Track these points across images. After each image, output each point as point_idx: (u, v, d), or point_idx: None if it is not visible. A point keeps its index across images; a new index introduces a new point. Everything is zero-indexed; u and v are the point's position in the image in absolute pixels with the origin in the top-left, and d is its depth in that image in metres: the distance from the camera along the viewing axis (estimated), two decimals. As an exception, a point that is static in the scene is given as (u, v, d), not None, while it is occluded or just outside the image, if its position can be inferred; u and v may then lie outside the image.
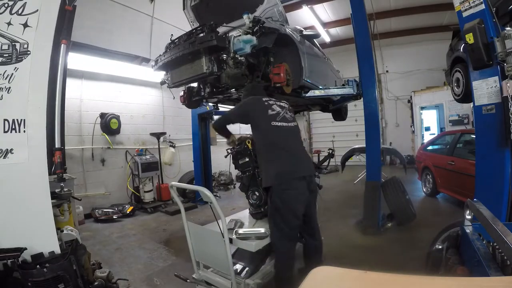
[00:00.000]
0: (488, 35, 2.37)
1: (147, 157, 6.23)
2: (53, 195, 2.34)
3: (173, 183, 2.27)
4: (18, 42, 1.85)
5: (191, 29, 3.10)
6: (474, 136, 3.20)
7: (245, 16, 2.64)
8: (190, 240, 2.23)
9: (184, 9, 3.62)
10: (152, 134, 6.52)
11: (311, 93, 3.71)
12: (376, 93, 4.07)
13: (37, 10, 1.90)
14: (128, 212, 5.40)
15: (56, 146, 2.59)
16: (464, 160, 4.51)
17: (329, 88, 4.00)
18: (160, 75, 3.53)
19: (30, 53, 1.88)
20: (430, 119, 10.45)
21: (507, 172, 2.40)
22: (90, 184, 5.59)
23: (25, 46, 1.87)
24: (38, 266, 1.74)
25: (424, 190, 6.05)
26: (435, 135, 8.75)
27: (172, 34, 3.14)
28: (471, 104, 3.14)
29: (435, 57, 9.20)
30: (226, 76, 3.14)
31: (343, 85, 4.22)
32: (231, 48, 2.66)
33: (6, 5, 1.81)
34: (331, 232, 3.79)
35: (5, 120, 1.80)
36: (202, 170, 6.07)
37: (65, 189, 2.65)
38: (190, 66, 2.89)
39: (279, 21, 3.12)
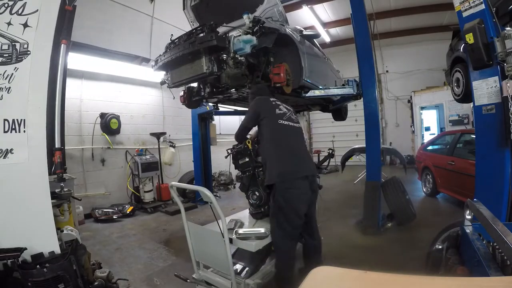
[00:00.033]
0: (488, 35, 2.37)
1: (147, 157, 6.23)
2: (53, 195, 2.34)
3: (173, 183, 2.27)
4: (18, 42, 1.85)
5: (191, 29, 3.10)
6: (474, 136, 3.20)
7: (245, 16, 2.65)
8: (190, 240, 2.23)
9: (184, 9, 3.63)
10: (152, 134, 6.52)
11: (311, 93, 3.72)
12: (376, 93, 4.06)
13: (37, 10, 1.90)
14: (128, 212, 5.40)
15: (56, 146, 2.59)
16: (464, 160, 4.51)
17: (329, 88, 4.00)
18: (160, 75, 3.53)
19: (30, 53, 1.88)
20: (430, 119, 10.46)
21: (507, 172, 2.40)
22: (90, 184, 5.59)
23: (25, 46, 1.87)
24: (38, 266, 1.74)
25: (424, 190, 6.05)
26: (435, 135, 8.75)
27: (172, 34, 3.14)
28: (471, 104, 3.14)
29: (435, 57, 9.20)
30: (226, 76, 3.14)
31: (343, 85, 4.22)
32: (231, 48, 2.66)
33: (6, 5, 1.82)
34: (331, 232, 3.79)
35: (5, 120, 1.80)
36: (202, 170, 6.07)
37: (65, 189, 2.65)
38: (190, 66, 2.89)
39: (279, 21, 3.12)
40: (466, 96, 3.62)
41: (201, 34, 2.69)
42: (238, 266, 2.35)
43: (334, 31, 10.31)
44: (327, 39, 10.42)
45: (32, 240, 1.82)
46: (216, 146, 6.51)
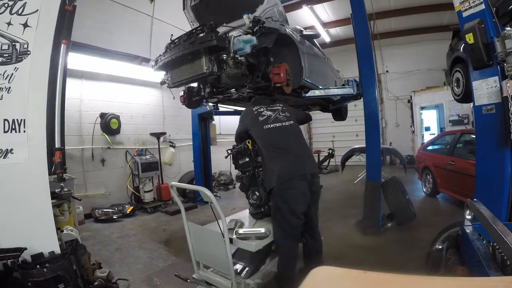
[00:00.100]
0: (488, 35, 2.37)
1: (147, 157, 6.23)
2: (53, 195, 2.34)
3: (173, 183, 2.27)
4: (18, 42, 1.85)
5: (191, 29, 3.10)
6: (474, 136, 3.20)
7: (245, 16, 2.65)
8: (190, 240, 2.23)
9: (184, 9, 3.63)
10: (152, 134, 6.52)
11: (311, 93, 3.72)
12: (376, 93, 4.06)
13: (37, 10, 1.90)
14: (128, 212, 5.40)
15: (56, 146, 2.59)
16: (464, 160, 4.51)
17: (329, 88, 4.00)
18: (160, 75, 3.53)
19: (30, 53, 1.88)
20: (430, 119, 10.46)
21: (507, 172, 2.40)
22: (90, 184, 5.59)
23: (25, 46, 1.87)
24: (38, 266, 1.74)
25: (424, 190, 6.05)
26: (435, 135, 8.75)
27: (172, 34, 3.14)
28: (471, 104, 3.14)
29: (435, 57, 9.20)
30: (226, 76, 3.14)
31: (343, 85, 4.22)
32: (231, 48, 2.66)
33: (6, 5, 1.82)
34: (331, 232, 3.79)
35: (5, 120, 1.80)
36: (202, 170, 6.07)
37: (65, 189, 2.65)
38: (190, 66, 2.89)
39: (279, 21, 3.12)
40: (466, 96, 3.62)
41: (201, 34, 2.69)
42: (238, 266, 2.35)
43: (334, 31, 10.31)
44: (327, 39, 10.42)
45: (32, 240, 1.82)
46: (216, 146, 6.51)
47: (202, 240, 2.19)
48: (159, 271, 3.08)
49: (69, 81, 4.25)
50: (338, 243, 3.54)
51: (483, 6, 2.42)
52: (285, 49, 3.10)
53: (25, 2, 1.86)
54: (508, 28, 2.30)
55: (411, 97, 10.27)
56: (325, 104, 5.25)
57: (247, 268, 2.34)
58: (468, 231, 1.33)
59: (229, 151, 2.66)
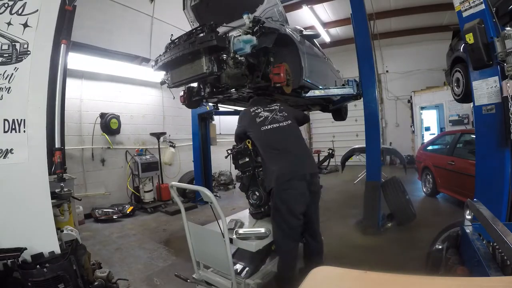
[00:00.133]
0: (488, 35, 2.37)
1: (147, 157, 6.23)
2: (53, 195, 2.34)
3: (173, 183, 2.27)
4: (18, 42, 1.85)
5: (191, 29, 3.10)
6: (474, 136, 3.20)
7: (245, 16, 2.64)
8: (190, 240, 2.23)
9: (184, 9, 3.62)
10: (152, 134, 6.52)
11: (311, 93, 3.71)
12: (376, 93, 4.06)
13: (37, 10, 1.90)
14: (128, 212, 5.40)
15: (56, 146, 2.59)
16: (464, 160, 4.51)
17: (329, 88, 4.00)
18: (160, 75, 3.53)
19: (30, 53, 1.88)
20: (430, 119, 10.46)
21: (507, 172, 2.40)
22: (90, 184, 5.59)
23: (25, 46, 1.87)
24: (38, 266, 1.74)
25: (424, 190, 6.05)
26: (435, 135, 8.75)
27: (172, 34, 3.14)
28: (471, 104, 3.14)
29: (435, 57, 9.20)
30: (226, 76, 3.14)
31: (343, 85, 4.22)
32: (231, 48, 2.66)
33: (6, 5, 1.82)
34: (331, 232, 3.79)
35: (5, 120, 1.80)
36: (202, 170, 6.07)
37: (65, 189, 2.65)
38: (190, 66, 2.89)
39: (279, 21, 3.12)
40: (466, 96, 3.62)
41: (201, 34, 2.69)
42: (238, 266, 2.35)
43: (334, 31, 10.31)
44: (327, 39, 10.42)
45: (32, 240, 1.82)
46: (216, 146, 6.51)
47: (202, 240, 2.19)
48: (159, 271, 3.08)
49: (69, 81, 4.25)
50: (338, 243, 3.54)
51: (483, 6, 2.42)
52: (285, 49, 3.10)
53: (25, 2, 1.86)
54: (508, 28, 2.30)
55: (411, 97, 10.27)
56: (325, 104, 5.25)
57: (247, 268, 2.34)
58: (468, 231, 1.33)
59: (229, 151, 2.66)
